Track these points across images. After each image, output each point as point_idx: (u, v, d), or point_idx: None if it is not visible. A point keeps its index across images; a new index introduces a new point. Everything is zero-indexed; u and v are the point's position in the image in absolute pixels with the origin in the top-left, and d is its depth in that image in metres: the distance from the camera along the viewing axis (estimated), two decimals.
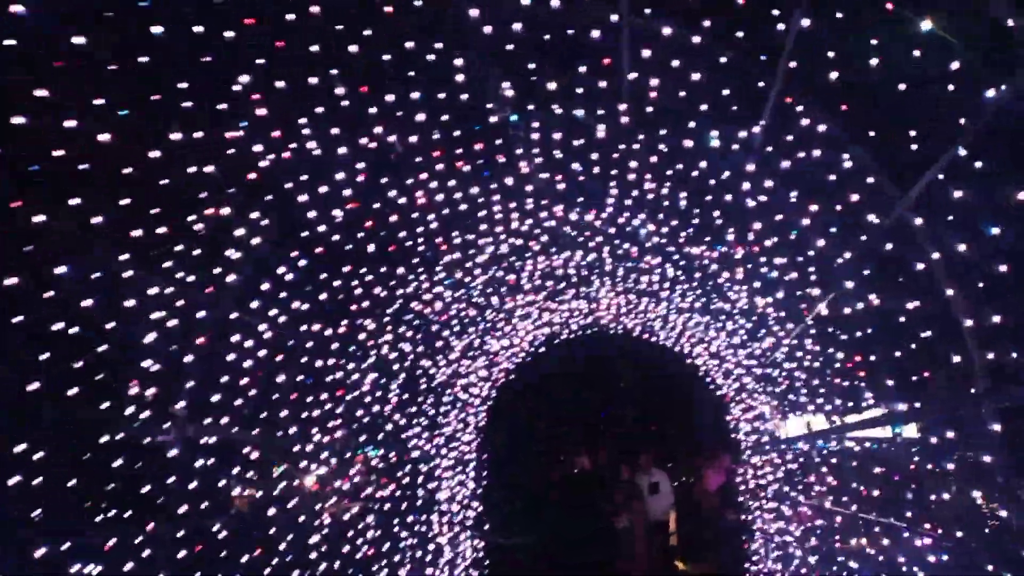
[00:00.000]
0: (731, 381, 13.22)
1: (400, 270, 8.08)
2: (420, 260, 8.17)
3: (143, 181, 4.83)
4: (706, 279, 9.03)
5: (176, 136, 4.57)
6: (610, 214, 7.85)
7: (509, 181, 7.06)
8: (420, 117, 5.63)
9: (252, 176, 5.29)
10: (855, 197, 5.46)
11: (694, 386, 14.80)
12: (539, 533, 14.86)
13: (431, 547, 11.42)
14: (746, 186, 6.00)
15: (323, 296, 7.00)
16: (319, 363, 7.54)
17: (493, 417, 14.76)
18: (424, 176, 6.68)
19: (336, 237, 6.72)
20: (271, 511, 6.76)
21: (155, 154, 4.38)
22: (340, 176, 5.98)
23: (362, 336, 8.26)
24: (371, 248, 7.30)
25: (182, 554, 5.56)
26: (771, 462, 12.15)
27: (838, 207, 5.84)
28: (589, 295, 12.34)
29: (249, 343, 6.29)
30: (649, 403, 17.13)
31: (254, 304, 6.16)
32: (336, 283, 7.07)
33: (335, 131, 5.42)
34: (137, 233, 4.74)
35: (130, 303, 4.97)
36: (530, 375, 15.12)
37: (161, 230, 4.98)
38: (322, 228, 6.48)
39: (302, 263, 6.48)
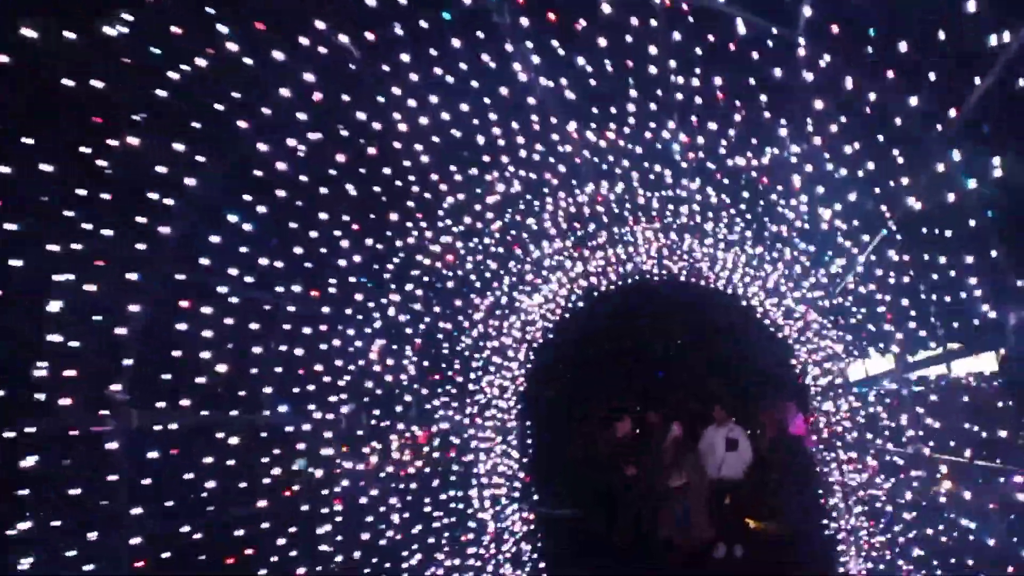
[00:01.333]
0: (794, 320, 11.77)
1: (394, 216, 6.94)
2: (417, 203, 7.02)
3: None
4: (756, 198, 7.64)
5: None
6: (633, 127, 6.52)
7: (504, 91, 5.81)
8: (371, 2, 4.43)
9: (162, 93, 4.18)
10: None
11: (752, 330, 13.37)
12: (586, 503, 13.80)
13: (472, 524, 10.46)
14: (800, 55, 4.64)
15: (298, 250, 5.91)
16: (307, 330, 6.49)
17: (533, 381, 13.65)
18: (397, 91, 5.49)
19: (304, 178, 5.60)
20: (262, 503, 5.74)
21: None
22: (286, 93, 4.83)
23: (359, 296, 7.18)
24: (351, 190, 6.17)
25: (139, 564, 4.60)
26: (848, 406, 10.74)
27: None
28: (624, 237, 11.02)
29: (207, 309, 5.23)
30: (706, 355, 15.77)
31: (204, 262, 5.08)
32: (312, 234, 5.96)
33: (261, 28, 4.26)
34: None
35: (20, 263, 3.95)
36: (571, 333, 13.93)
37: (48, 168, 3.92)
38: (282, 166, 5.36)
39: (261, 210, 5.39)
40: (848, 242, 6.65)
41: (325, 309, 6.81)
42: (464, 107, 6.02)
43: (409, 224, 7.31)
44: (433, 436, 9.78)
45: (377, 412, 8.17)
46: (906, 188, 4.69)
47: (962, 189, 3.72)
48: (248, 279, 5.62)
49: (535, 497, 13.35)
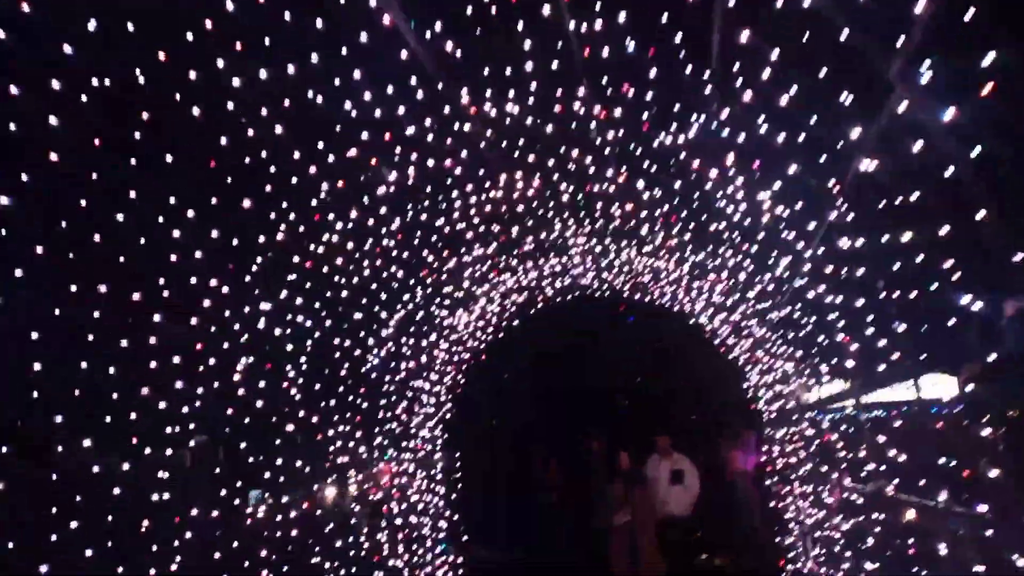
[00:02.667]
0: (743, 337, 10.68)
1: (246, 203, 5.64)
2: (278, 188, 5.74)
3: None
4: (690, 189, 6.53)
5: None
6: (538, 94, 5.37)
7: (363, 38, 4.61)
8: None
9: None
10: None
11: (702, 350, 12.25)
12: (523, 546, 12.43)
13: (379, 574, 9.04)
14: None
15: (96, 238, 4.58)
16: (124, 343, 5.14)
17: (463, 407, 12.32)
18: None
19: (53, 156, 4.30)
20: None
21: None
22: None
23: (208, 303, 5.85)
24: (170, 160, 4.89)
25: None
26: (801, 434, 9.62)
27: None
28: (555, 244, 9.85)
29: None
30: (655, 378, 14.60)
31: None
32: (119, 218, 4.64)
33: None
34: None
35: None
36: (505, 354, 12.65)
37: None
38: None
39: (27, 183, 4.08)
40: (792, 233, 5.53)
41: (156, 317, 5.45)
42: (312, 59, 4.78)
43: (272, 215, 6.01)
44: (325, 471, 8.38)
45: (244, 445, 6.78)
46: (857, 142, 3.56)
47: (935, 126, 2.56)
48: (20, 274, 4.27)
49: (465, 539, 11.94)
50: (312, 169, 5.93)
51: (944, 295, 3.29)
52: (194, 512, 5.96)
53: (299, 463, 7.57)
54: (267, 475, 7.07)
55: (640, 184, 7.00)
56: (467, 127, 6.17)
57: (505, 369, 12.78)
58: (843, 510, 7.17)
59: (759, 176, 5.06)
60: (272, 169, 5.63)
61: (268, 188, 5.72)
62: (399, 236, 7.80)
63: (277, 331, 6.95)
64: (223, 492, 6.38)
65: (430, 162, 6.70)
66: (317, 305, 7.43)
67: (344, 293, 7.83)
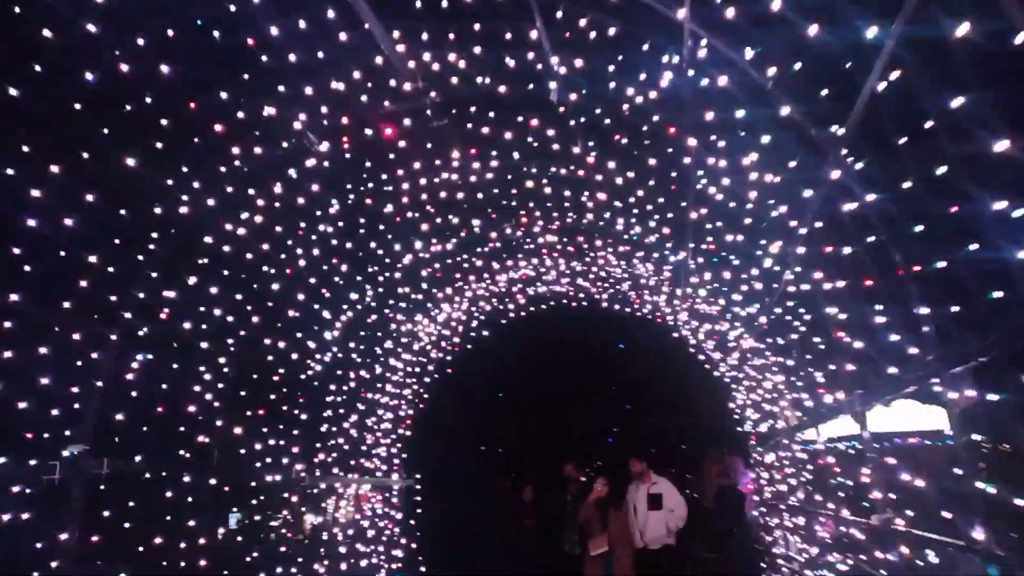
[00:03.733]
0: (729, 351, 9.73)
1: (131, 161, 4.70)
2: (171, 143, 4.81)
3: None
4: (667, 166, 5.63)
5: None
6: (484, 39, 4.48)
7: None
8: None
9: None
10: None
11: (687, 365, 11.28)
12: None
13: None
14: None
15: None
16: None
17: (424, 424, 11.27)
18: None
19: None
20: None
21: None
22: None
23: (85, 283, 4.87)
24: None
25: None
26: (792, 459, 8.65)
27: None
28: (522, 242, 8.91)
29: None
30: (636, 395, 13.60)
31: None
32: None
33: None
34: None
35: None
36: (474, 367, 11.64)
37: None
38: None
39: None
40: (783, 207, 4.61)
41: (13, 297, 4.46)
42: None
43: (170, 180, 5.05)
44: (253, 491, 7.33)
45: (139, 458, 5.74)
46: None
47: None
48: None
49: (422, 570, 10.84)
50: (218, 127, 4.99)
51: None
52: (63, 537, 4.92)
53: (212, 481, 6.52)
54: (168, 494, 6.03)
55: (612, 164, 6.07)
56: (406, 86, 5.26)
57: (473, 383, 11.75)
58: (840, 546, 6.18)
59: (744, 133, 4.15)
60: (164, 122, 4.69)
61: (160, 145, 4.76)
62: (338, 222, 6.85)
63: (186, 324, 5.96)
64: (105, 514, 5.33)
65: (366, 131, 5.78)
66: (239, 297, 6.45)
67: (275, 286, 6.85)
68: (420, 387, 11.18)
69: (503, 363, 11.88)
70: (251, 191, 5.71)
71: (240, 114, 4.91)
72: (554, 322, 11.61)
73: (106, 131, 4.43)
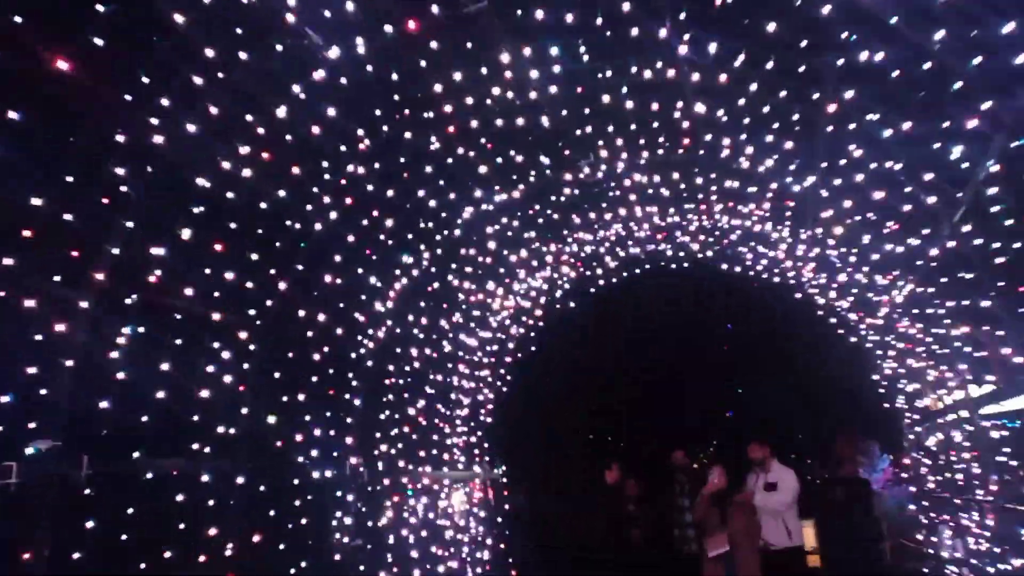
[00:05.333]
0: (872, 312, 7.81)
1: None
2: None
3: None
4: (793, 40, 3.99)
5: None
6: None
7: None
8: None
9: None
10: None
11: (814, 332, 9.38)
12: None
13: None
14: None
15: None
16: None
17: (505, 409, 9.92)
18: None
19: None
20: None
21: None
22: None
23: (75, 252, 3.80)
24: None
25: None
26: (963, 444, 6.76)
27: None
28: (602, 188, 7.33)
29: None
30: (753, 369, 11.69)
31: None
32: None
33: None
34: None
35: None
36: (557, 344, 10.19)
37: None
38: None
39: None
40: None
41: None
42: None
43: (127, 95, 3.90)
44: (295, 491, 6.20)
45: (137, 455, 4.68)
46: None
47: None
48: None
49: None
50: (179, 18, 3.78)
51: None
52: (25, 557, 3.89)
53: (239, 480, 5.41)
54: (180, 498, 4.95)
55: (712, 47, 4.46)
56: None
57: (562, 362, 10.31)
58: None
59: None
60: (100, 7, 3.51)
61: (100, 41, 3.59)
62: (373, 163, 5.57)
63: (187, 290, 4.85)
64: (88, 525, 4.28)
65: (385, 27, 4.43)
66: (255, 258, 5.29)
67: (303, 244, 5.67)
68: (501, 367, 9.85)
69: (595, 338, 10.36)
70: (247, 116, 4.48)
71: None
72: (652, 287, 9.98)
73: (18, 18, 3.28)
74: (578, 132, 6.12)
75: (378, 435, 7.32)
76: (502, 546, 9.38)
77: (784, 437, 9.05)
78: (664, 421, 10.30)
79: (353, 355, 6.85)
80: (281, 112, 4.64)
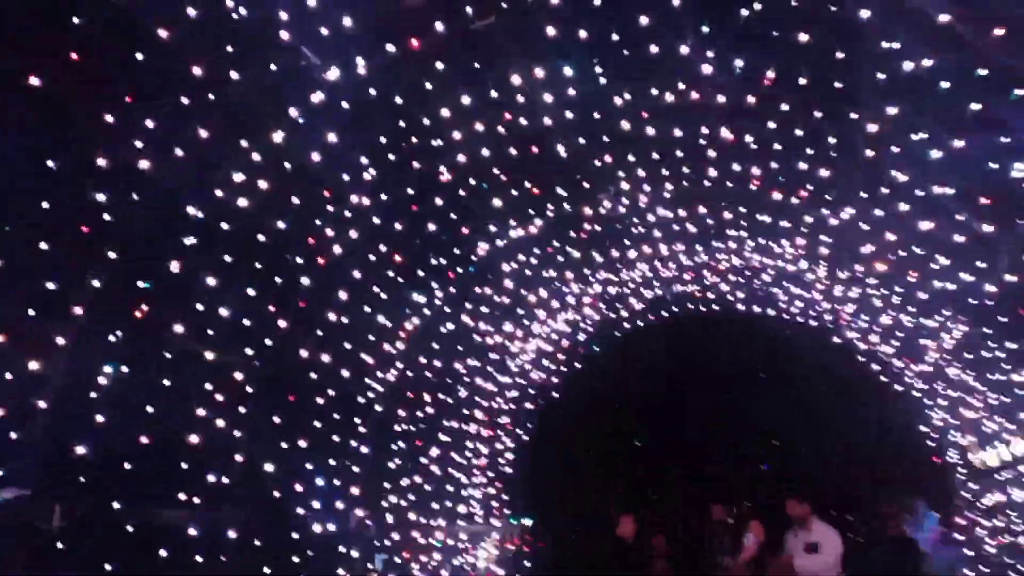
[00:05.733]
0: (919, 350, 7.23)
1: None
2: None
3: None
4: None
5: None
6: None
7: None
8: None
9: None
10: None
11: (855, 380, 8.78)
12: None
13: None
14: None
15: None
16: None
17: (526, 459, 9.39)
18: None
19: None
20: None
21: None
22: None
23: None
24: None
25: None
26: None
27: None
28: (624, 222, 6.94)
29: None
30: (792, 421, 11.00)
31: None
32: None
33: None
34: None
35: None
36: (581, 389, 9.69)
37: None
38: None
39: None
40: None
41: None
42: None
43: (108, 117, 3.66)
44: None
45: (119, 506, 4.31)
46: None
47: None
48: None
49: None
50: (163, 33, 3.55)
51: None
52: None
53: (231, 533, 5.00)
54: (163, 553, 4.53)
55: (739, 63, 4.12)
56: None
57: (586, 409, 9.80)
58: None
59: None
60: (76, 18, 3.29)
61: (75, 55, 3.36)
62: (379, 194, 5.27)
63: (177, 327, 4.53)
64: None
65: (386, 45, 4.17)
66: (253, 294, 4.97)
67: (304, 280, 5.34)
68: (521, 414, 9.37)
69: (622, 384, 9.85)
70: (242, 141, 4.22)
71: (191, 9, 3.43)
72: (679, 331, 9.49)
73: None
74: (596, 162, 5.79)
75: (387, 485, 6.87)
76: None
77: (824, 493, 8.35)
78: (697, 474, 9.67)
79: (360, 399, 6.46)
80: (276, 136, 4.38)
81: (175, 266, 4.36)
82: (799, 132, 4.69)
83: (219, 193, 4.40)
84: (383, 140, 4.96)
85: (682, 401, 10.25)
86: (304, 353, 5.65)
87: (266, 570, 5.27)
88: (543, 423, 9.59)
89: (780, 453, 10.53)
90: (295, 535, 5.78)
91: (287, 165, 4.62)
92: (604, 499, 10.66)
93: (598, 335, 9.43)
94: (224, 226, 4.57)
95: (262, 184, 4.56)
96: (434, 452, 7.58)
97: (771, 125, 4.71)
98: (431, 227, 5.97)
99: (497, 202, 6.00)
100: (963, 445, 7.75)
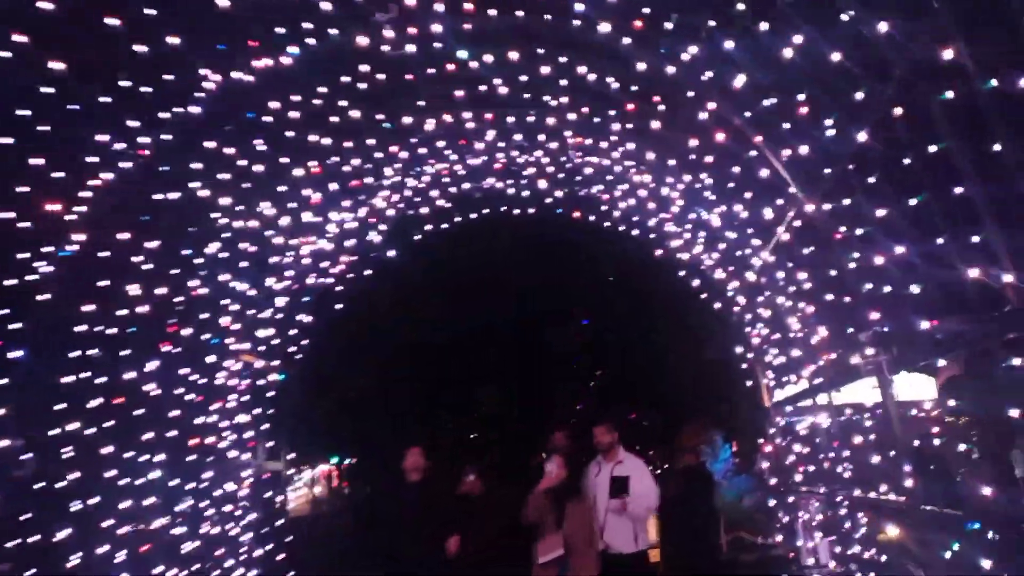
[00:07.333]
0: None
1: None
2: None
3: None
4: None
5: None
6: None
7: None
8: None
9: None
10: None
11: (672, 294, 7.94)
12: None
13: None
14: None
15: None
16: None
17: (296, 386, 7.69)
18: None
19: None
20: None
21: None
22: None
23: None
24: None
25: None
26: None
27: None
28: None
29: None
30: (604, 336, 10.16)
31: None
32: None
33: None
34: None
35: None
36: (370, 300, 8.09)
37: None
38: None
39: None
40: None
41: None
42: None
43: None
44: None
45: None
46: None
47: None
48: None
49: None
50: None
51: None
52: None
53: None
54: None
55: None
56: None
57: (374, 324, 8.24)
58: None
59: None
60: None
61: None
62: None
63: None
64: None
65: None
66: None
67: None
68: (291, 329, 7.59)
69: (418, 295, 8.36)
70: None
71: None
72: (491, 232, 8.12)
73: None
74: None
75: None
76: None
77: (634, 425, 7.56)
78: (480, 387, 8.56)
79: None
80: None
81: None
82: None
83: None
84: None
85: (482, 313, 9.01)
86: None
87: None
88: (319, 341, 7.92)
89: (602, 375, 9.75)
90: None
91: None
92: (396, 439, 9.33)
93: (392, 236, 7.81)
94: None
95: None
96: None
97: None
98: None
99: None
100: (778, 367, 7.21)
